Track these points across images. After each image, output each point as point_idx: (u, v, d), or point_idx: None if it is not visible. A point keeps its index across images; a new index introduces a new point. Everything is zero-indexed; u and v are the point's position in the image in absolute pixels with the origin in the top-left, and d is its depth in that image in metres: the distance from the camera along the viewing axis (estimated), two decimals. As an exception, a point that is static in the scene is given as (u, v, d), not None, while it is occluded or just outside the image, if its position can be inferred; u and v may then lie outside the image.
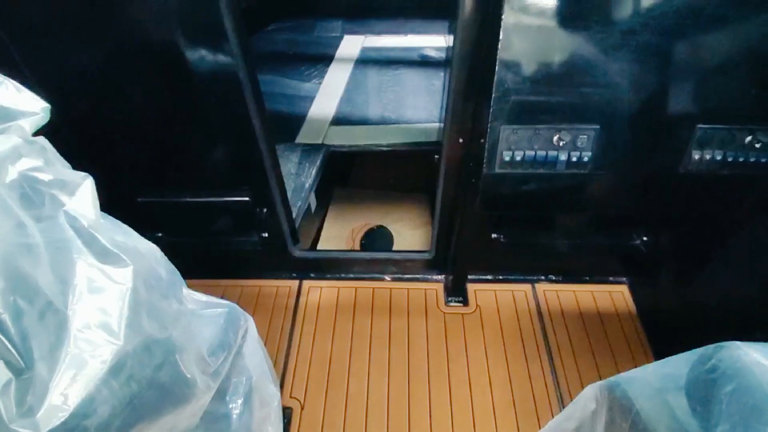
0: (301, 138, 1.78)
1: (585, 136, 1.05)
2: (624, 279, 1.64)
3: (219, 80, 1.09)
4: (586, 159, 1.06)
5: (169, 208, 1.36)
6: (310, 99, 1.94)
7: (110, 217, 0.64)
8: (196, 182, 1.31)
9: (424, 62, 2.17)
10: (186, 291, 0.71)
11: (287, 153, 1.72)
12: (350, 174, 2.23)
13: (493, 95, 1.00)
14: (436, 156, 1.34)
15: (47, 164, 0.53)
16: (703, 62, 0.96)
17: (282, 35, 2.32)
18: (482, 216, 1.40)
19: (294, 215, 1.52)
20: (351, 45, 2.27)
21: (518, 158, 1.07)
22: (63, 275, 0.48)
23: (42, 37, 1.03)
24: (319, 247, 1.87)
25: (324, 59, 2.16)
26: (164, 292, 0.61)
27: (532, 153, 1.06)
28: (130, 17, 1.00)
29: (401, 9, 2.43)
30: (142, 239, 0.63)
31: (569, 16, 0.91)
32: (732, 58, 0.96)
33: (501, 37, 0.93)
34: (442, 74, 1.98)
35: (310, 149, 1.74)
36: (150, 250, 0.63)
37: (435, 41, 2.27)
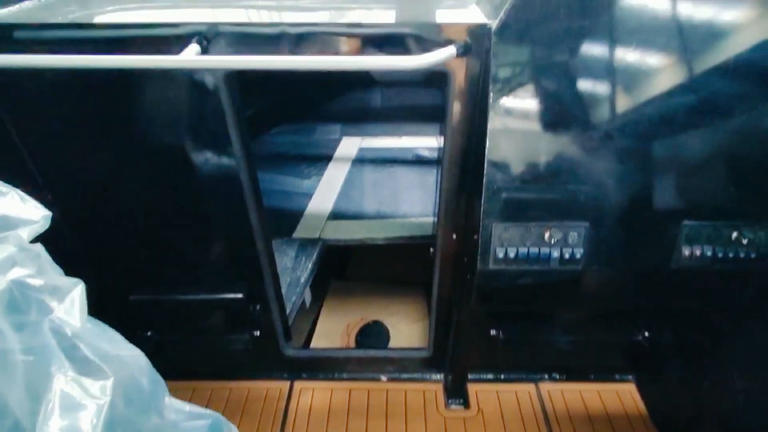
0: (299, 233, 1.80)
1: (575, 233, 1.07)
2: (630, 376, 1.56)
3: (220, 182, 1.13)
4: (578, 256, 1.08)
5: (161, 306, 1.34)
6: (308, 195, 2.00)
7: (98, 321, 0.63)
8: (190, 280, 1.31)
9: (418, 161, 2.29)
10: (168, 400, 0.67)
11: (284, 247, 1.74)
12: (347, 267, 2.23)
13: (484, 194, 1.04)
14: (431, 249, 1.36)
15: (40, 271, 0.54)
16: (681, 162, 1.02)
17: (284, 138, 2.47)
18: (479, 312, 1.38)
19: (288, 311, 1.49)
20: (349, 146, 2.40)
21: (512, 255, 1.08)
22: (36, 390, 0.46)
23: (55, 142, 1.09)
24: (313, 343, 1.80)
25: (323, 159, 2.28)
26: (144, 405, 0.57)
27: (525, 250, 1.08)
28: (141, 124, 1.07)
29: (396, 113, 2.62)
30: (128, 345, 0.61)
31: (550, 121, 0.98)
32: (706, 158, 1.01)
33: (488, 139, 0.99)
34: (435, 171, 2.08)
35: (306, 243, 1.76)
36: (134, 357, 0.60)
37: (428, 142, 2.42)
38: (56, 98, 1.04)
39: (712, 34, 0.91)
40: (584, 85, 0.95)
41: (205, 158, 1.10)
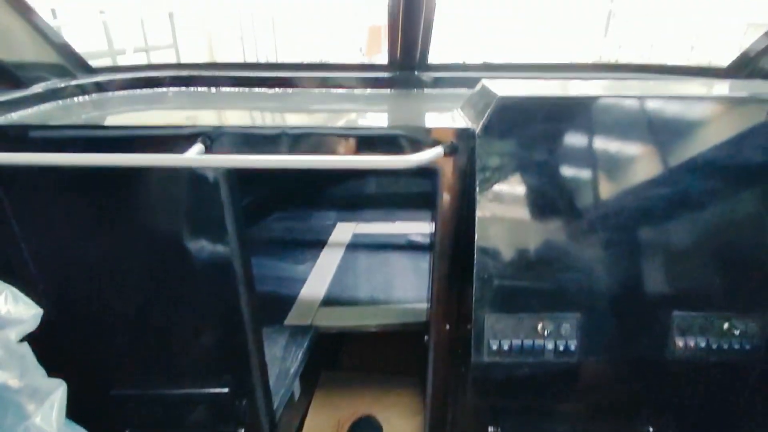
0: (291, 319, 1.77)
1: (568, 325, 1.07)
2: None
3: (214, 271, 1.14)
4: (572, 347, 1.06)
5: (143, 401, 1.27)
6: (302, 281, 2.00)
7: (75, 426, 0.61)
8: (175, 373, 1.26)
9: (411, 246, 2.32)
10: None
11: (274, 336, 1.69)
12: (339, 356, 2.16)
13: (475, 283, 1.05)
14: (425, 336, 1.33)
15: (23, 373, 0.53)
16: (665, 253, 1.05)
17: (280, 224, 2.52)
18: (476, 407, 1.32)
19: (275, 406, 1.41)
20: (343, 231, 2.45)
21: (506, 347, 1.07)
22: None
23: (54, 233, 1.11)
24: (302, 441, 1.69)
25: (318, 245, 2.31)
26: None
27: (519, 342, 1.07)
28: (141, 216, 1.10)
29: (390, 200, 2.71)
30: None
31: (533, 214, 1.02)
32: (688, 249, 1.05)
33: (476, 230, 1.02)
34: (428, 257, 2.11)
35: (297, 331, 1.72)
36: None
37: (421, 227, 2.47)
38: (61, 192, 1.08)
39: (679, 131, 0.99)
40: (563, 179, 1.01)
41: (201, 248, 1.12)
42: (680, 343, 1.07)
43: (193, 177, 1.05)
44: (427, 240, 2.36)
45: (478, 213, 1.02)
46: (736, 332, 1.06)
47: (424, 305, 1.81)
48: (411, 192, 2.71)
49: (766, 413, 1.09)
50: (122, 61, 6.02)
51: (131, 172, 1.04)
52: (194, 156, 0.94)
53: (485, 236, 1.03)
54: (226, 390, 1.25)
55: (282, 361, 1.62)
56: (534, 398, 1.21)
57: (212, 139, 1.02)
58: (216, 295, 1.17)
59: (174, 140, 1.01)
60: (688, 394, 1.15)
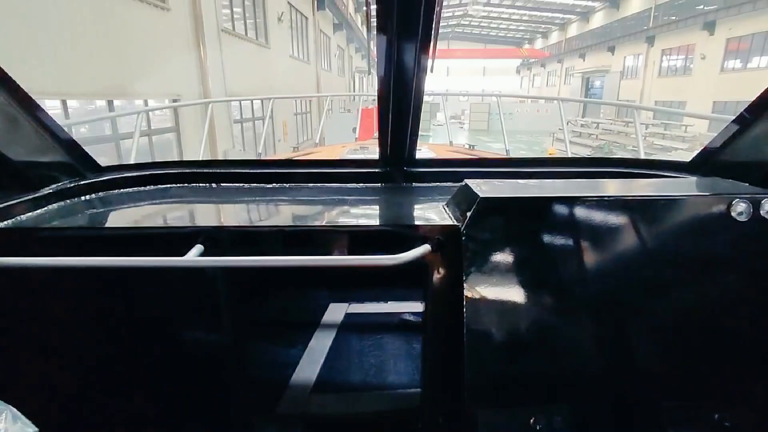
0: (282, 407, 1.72)
1: (560, 418, 1.07)
2: None
3: (205, 354, 1.15)
4: None
5: None
6: (293, 365, 1.96)
7: None
8: None
9: (404, 326, 2.31)
10: None
11: (265, 426, 1.64)
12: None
13: (466, 373, 1.06)
14: (419, 425, 1.30)
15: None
16: (650, 341, 1.08)
17: (273, 303, 2.52)
18: None
19: None
20: (335, 312, 2.44)
21: None
22: None
23: (50, 335, 1.12)
24: None
25: (310, 325, 2.29)
26: None
27: None
28: (140, 313, 1.13)
29: (383, 279, 2.73)
30: None
31: (520, 301, 1.07)
32: (672, 337, 1.08)
33: (465, 321, 1.05)
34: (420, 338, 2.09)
35: (289, 421, 1.67)
36: None
37: (414, 307, 2.47)
38: (61, 291, 1.11)
39: (652, 225, 1.06)
40: (546, 270, 1.07)
41: (194, 332, 1.13)
42: None
43: (194, 273, 1.09)
44: (419, 319, 2.35)
45: (467, 303, 1.06)
46: (727, 424, 1.06)
47: (418, 390, 1.77)
48: (404, 271, 2.75)
49: None
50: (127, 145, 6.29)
51: (131, 272, 1.08)
52: (192, 258, 0.99)
53: (474, 325, 1.07)
54: None
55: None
56: None
57: (213, 237, 1.08)
58: (206, 378, 1.16)
59: (176, 239, 1.06)
60: None
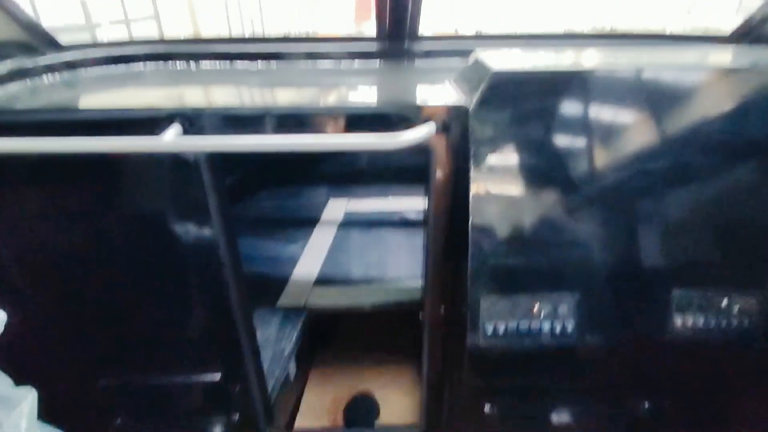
0: (284, 300, 1.75)
1: (565, 305, 1.04)
2: None
3: (198, 254, 1.10)
4: (569, 329, 1.04)
5: (131, 391, 1.25)
6: (293, 261, 1.96)
7: (49, 428, 0.58)
8: (163, 362, 1.23)
9: (405, 223, 2.28)
10: None
11: (267, 317, 1.67)
12: (334, 335, 2.15)
13: (470, 262, 1.02)
14: (420, 315, 1.31)
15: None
16: (663, 228, 1.02)
17: (269, 201, 2.47)
18: (473, 387, 1.31)
19: (270, 389, 1.40)
20: (335, 208, 2.41)
21: (501, 329, 1.05)
22: None
23: (26, 224, 1.06)
24: (298, 421, 1.69)
25: (309, 223, 2.26)
26: None
27: (515, 324, 1.04)
28: (118, 202, 1.05)
29: (383, 174, 2.65)
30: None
31: (528, 190, 0.99)
32: (686, 224, 1.02)
33: (471, 208, 0.98)
34: (422, 233, 2.08)
35: (291, 313, 1.70)
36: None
37: (415, 203, 2.43)
38: (29, 181, 1.02)
39: (679, 102, 0.94)
40: (561, 154, 0.97)
41: (184, 231, 1.07)
42: (679, 321, 1.05)
43: (173, 160, 0.99)
44: (421, 216, 2.32)
45: (473, 191, 0.98)
46: (735, 310, 1.04)
47: (419, 282, 1.79)
48: (404, 165, 2.65)
49: (764, 390, 1.09)
50: (99, 35, 5.76)
51: (105, 157, 0.98)
52: (170, 139, 0.88)
53: (480, 214, 0.99)
54: (218, 376, 1.23)
55: (276, 342, 1.60)
56: (530, 377, 1.20)
57: (191, 120, 0.96)
58: (202, 280, 1.13)
59: (150, 123, 0.95)
60: (685, 372, 1.14)
